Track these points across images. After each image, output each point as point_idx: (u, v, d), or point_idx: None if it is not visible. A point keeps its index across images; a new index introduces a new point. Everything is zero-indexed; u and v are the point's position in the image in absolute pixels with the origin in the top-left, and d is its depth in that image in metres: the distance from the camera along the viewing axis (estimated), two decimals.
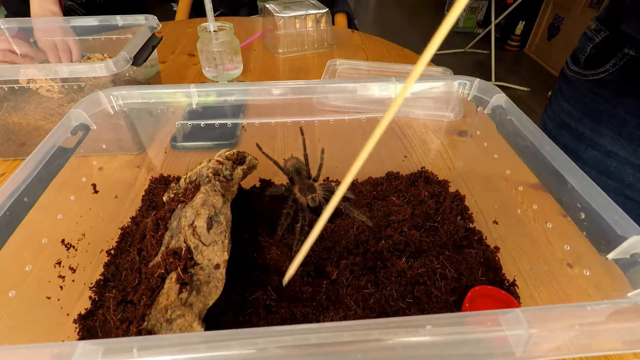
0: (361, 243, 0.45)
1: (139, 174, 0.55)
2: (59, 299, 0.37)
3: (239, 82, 0.63)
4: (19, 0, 0.94)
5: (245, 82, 0.47)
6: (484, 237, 0.47)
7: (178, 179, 0.52)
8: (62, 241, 0.39)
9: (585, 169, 0.60)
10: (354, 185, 0.55)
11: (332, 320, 0.36)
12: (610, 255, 0.27)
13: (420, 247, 0.45)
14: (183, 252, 0.33)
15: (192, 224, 0.35)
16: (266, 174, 0.53)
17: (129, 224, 0.48)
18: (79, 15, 1.09)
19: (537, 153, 0.35)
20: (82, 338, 0.36)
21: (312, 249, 0.44)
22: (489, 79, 2.50)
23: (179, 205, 0.40)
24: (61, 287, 0.38)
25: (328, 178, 0.56)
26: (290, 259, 0.42)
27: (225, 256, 0.33)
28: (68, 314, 0.37)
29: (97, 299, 0.40)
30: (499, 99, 0.43)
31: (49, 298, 0.36)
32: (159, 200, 0.50)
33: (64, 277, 0.38)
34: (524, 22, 2.94)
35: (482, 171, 0.50)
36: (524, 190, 0.41)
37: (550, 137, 0.67)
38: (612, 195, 0.60)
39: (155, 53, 0.67)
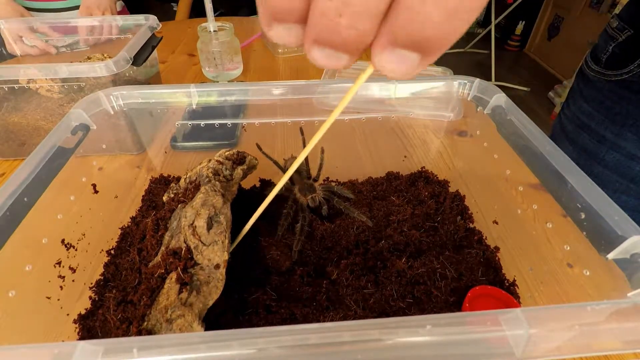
0: (361, 243, 0.45)
1: (139, 174, 0.55)
2: (59, 299, 0.37)
3: (239, 82, 0.63)
4: None
5: (245, 82, 0.47)
6: (484, 237, 0.47)
7: (178, 179, 0.52)
8: (62, 241, 0.39)
9: (605, 172, 0.60)
10: (354, 185, 0.55)
11: (332, 320, 0.36)
12: (610, 255, 0.27)
13: (420, 247, 0.45)
14: (183, 252, 0.33)
15: (192, 224, 0.35)
16: (266, 174, 0.53)
17: (129, 224, 0.48)
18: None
19: (537, 153, 0.35)
20: (82, 338, 0.36)
21: (312, 248, 0.44)
22: (489, 79, 2.50)
23: (179, 205, 0.40)
24: (61, 287, 0.38)
25: (328, 178, 0.56)
26: (291, 259, 0.42)
27: (225, 256, 0.33)
28: (68, 314, 0.37)
29: (97, 299, 0.40)
30: (499, 99, 0.43)
31: (49, 298, 0.36)
32: (159, 200, 0.50)
33: (64, 277, 0.38)
34: (524, 22, 2.94)
35: (482, 171, 0.50)
36: (524, 190, 0.41)
37: (568, 138, 0.66)
38: (633, 199, 0.60)
39: (155, 53, 0.67)
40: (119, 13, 1.05)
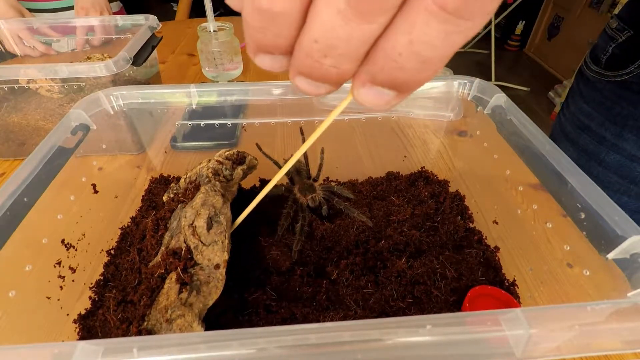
0: (361, 243, 0.45)
1: (139, 174, 0.55)
2: (59, 299, 0.37)
3: (239, 82, 0.63)
4: None
5: (245, 82, 0.47)
6: (484, 237, 0.47)
7: (178, 179, 0.52)
8: (62, 241, 0.39)
9: (606, 173, 0.60)
10: (354, 185, 0.55)
11: (332, 320, 0.36)
12: (610, 255, 0.27)
13: (420, 247, 0.45)
14: (183, 252, 0.33)
15: (192, 224, 0.35)
16: (266, 174, 0.53)
17: (129, 224, 0.48)
18: None
19: (537, 153, 0.35)
20: (82, 338, 0.36)
21: (312, 249, 0.44)
22: (489, 79, 2.50)
23: (179, 205, 0.40)
24: (61, 287, 0.38)
25: (328, 178, 0.56)
26: (291, 259, 0.42)
27: (225, 256, 0.33)
28: (68, 314, 0.37)
29: (97, 299, 0.40)
30: (499, 99, 0.43)
31: (49, 298, 0.36)
32: (159, 200, 0.50)
33: (64, 277, 0.38)
34: (524, 22, 2.94)
35: (482, 171, 0.50)
36: (524, 190, 0.41)
37: (568, 139, 0.66)
38: (633, 200, 0.60)
39: (155, 53, 0.67)
40: (117, 14, 1.05)
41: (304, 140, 0.47)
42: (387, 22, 0.13)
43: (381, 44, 0.13)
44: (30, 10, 0.93)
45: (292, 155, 0.49)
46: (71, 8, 0.96)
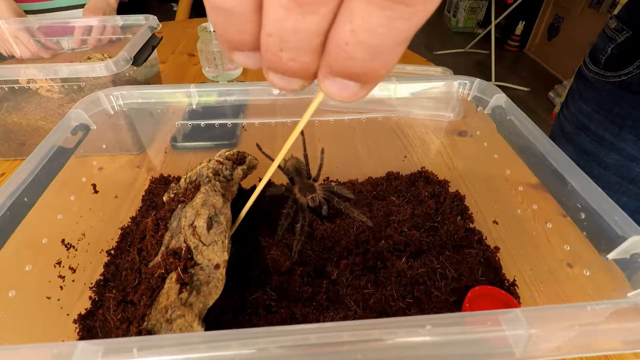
0: (361, 243, 0.45)
1: (139, 174, 0.55)
2: (59, 299, 0.37)
3: (239, 82, 0.63)
4: None
5: (245, 82, 0.47)
6: (484, 237, 0.47)
7: (178, 179, 0.52)
8: (62, 241, 0.39)
9: (605, 173, 0.60)
10: (354, 185, 0.55)
11: (332, 320, 0.36)
12: (610, 255, 0.27)
13: (420, 247, 0.45)
14: (183, 252, 0.33)
15: (192, 224, 0.35)
16: None
17: (129, 224, 0.48)
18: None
19: (537, 153, 0.35)
20: (82, 338, 0.36)
21: (312, 248, 0.44)
22: (489, 79, 2.50)
23: (179, 205, 0.40)
24: (61, 287, 0.38)
25: (328, 178, 0.56)
26: (291, 259, 0.42)
27: (225, 256, 0.33)
28: (68, 314, 0.37)
29: (97, 299, 0.40)
30: (499, 99, 0.43)
31: (49, 298, 0.36)
32: (159, 200, 0.50)
33: (64, 277, 0.38)
34: (524, 22, 2.94)
35: (482, 171, 0.50)
36: (524, 190, 0.41)
37: (567, 139, 0.66)
38: (633, 200, 0.60)
39: (155, 53, 0.67)
40: None
41: (304, 141, 0.47)
42: (331, 13, 0.13)
43: (330, 34, 0.13)
44: (27, 12, 0.93)
45: (292, 155, 0.50)
46: (67, 8, 0.96)
